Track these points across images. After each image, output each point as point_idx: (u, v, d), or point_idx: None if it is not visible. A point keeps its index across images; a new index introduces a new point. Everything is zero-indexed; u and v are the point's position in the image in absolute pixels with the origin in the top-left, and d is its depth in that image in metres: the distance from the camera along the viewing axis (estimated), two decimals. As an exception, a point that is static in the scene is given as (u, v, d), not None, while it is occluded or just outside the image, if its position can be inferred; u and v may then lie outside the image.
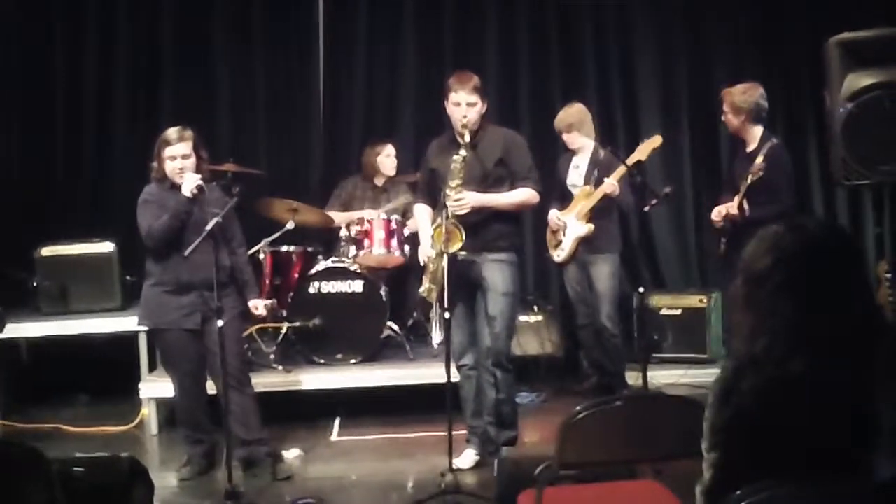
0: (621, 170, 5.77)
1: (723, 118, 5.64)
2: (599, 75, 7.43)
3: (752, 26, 7.41)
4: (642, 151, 5.85)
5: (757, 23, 7.40)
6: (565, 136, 6.19)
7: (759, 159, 5.34)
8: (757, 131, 5.54)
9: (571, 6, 7.44)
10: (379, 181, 6.79)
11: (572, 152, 6.24)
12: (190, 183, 4.71)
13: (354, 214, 6.60)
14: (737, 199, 5.37)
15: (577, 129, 6.12)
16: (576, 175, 6.18)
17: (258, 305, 5.08)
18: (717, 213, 5.56)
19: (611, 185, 5.85)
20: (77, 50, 7.16)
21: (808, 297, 2.02)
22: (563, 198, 6.21)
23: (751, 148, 5.53)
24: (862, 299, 2.07)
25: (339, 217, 6.65)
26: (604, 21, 7.48)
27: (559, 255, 6.21)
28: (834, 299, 2.02)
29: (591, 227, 6.00)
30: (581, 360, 6.69)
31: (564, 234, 6.12)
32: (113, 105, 7.20)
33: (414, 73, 7.39)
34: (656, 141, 5.90)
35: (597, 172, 6.02)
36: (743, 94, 5.52)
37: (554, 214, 6.17)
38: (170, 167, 4.80)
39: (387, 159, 6.77)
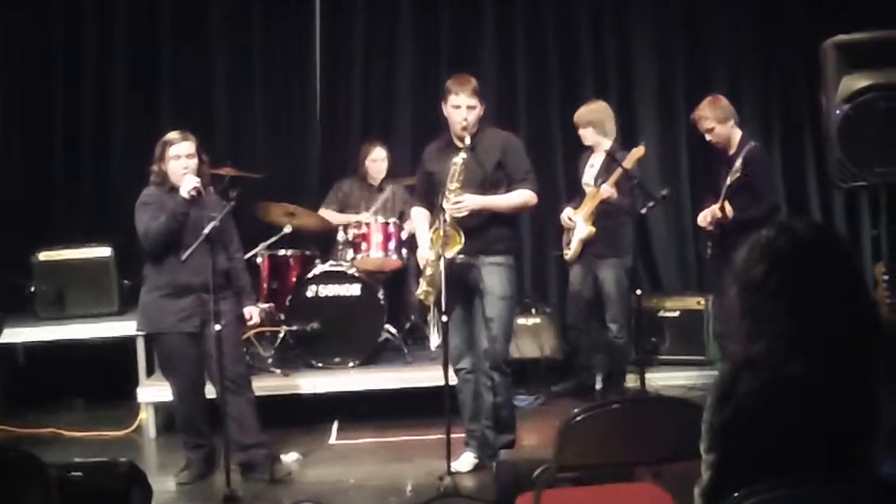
0: (617, 173, 5.77)
1: (708, 137, 5.68)
2: (597, 78, 7.43)
3: (749, 29, 7.42)
4: (628, 160, 5.85)
5: (754, 25, 7.41)
6: (581, 132, 6.14)
7: (739, 162, 5.41)
8: (737, 135, 5.64)
9: (569, 8, 7.45)
10: (374, 182, 6.79)
11: (591, 151, 6.22)
12: (188, 185, 4.71)
13: (351, 217, 6.59)
14: (719, 202, 5.41)
15: (595, 126, 6.09)
16: (589, 174, 6.18)
17: (253, 314, 5.09)
18: (703, 218, 5.62)
19: (606, 190, 5.84)
20: (75, 52, 7.15)
21: (804, 300, 2.03)
22: (580, 196, 6.24)
23: (732, 152, 5.60)
24: (857, 298, 2.07)
25: (333, 217, 6.65)
26: (601, 23, 7.48)
27: (567, 254, 6.23)
28: (829, 300, 2.03)
29: (591, 230, 6.00)
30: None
31: (573, 234, 6.14)
32: (111, 109, 7.20)
33: (411, 75, 7.39)
34: (639, 151, 5.90)
35: (605, 175, 6.02)
36: (719, 103, 5.65)
37: (567, 213, 6.18)
38: (174, 167, 4.80)
39: (373, 164, 6.74)
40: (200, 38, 7.27)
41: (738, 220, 5.35)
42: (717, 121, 5.60)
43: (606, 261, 6.08)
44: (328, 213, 6.69)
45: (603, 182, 5.94)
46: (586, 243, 6.06)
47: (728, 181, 5.39)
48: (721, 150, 5.71)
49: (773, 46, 7.40)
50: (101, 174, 7.16)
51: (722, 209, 5.40)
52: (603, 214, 5.99)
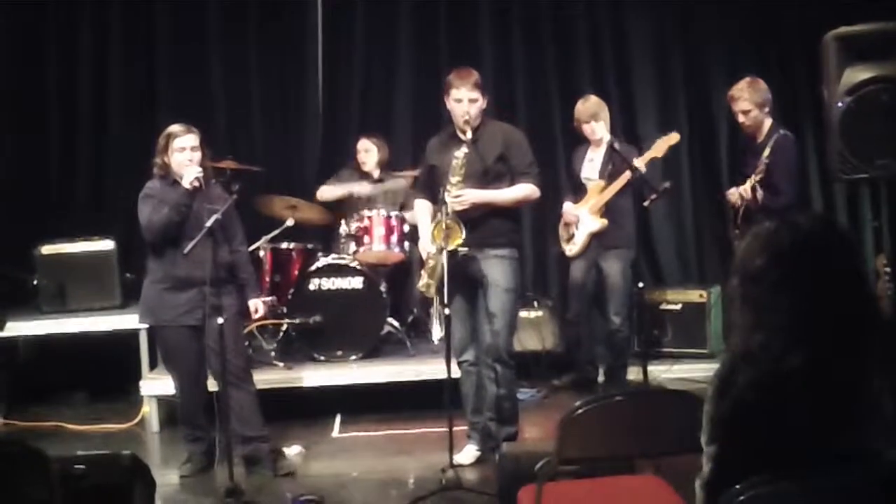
0: (650, 154, 5.79)
1: (741, 118, 5.59)
2: (595, 72, 7.42)
3: (748, 21, 7.39)
4: (659, 148, 5.82)
5: (753, 17, 7.38)
6: (590, 126, 6.10)
7: (767, 151, 5.37)
8: (768, 123, 5.57)
9: (566, 3, 7.43)
10: (375, 174, 6.78)
11: (587, 145, 6.22)
12: (190, 175, 4.73)
13: (353, 187, 6.62)
14: (749, 182, 5.37)
15: (603, 119, 6.09)
16: (590, 168, 6.17)
17: (258, 307, 5.08)
18: (732, 194, 5.53)
19: (641, 165, 5.77)
20: (73, 48, 7.16)
21: (804, 293, 2.02)
22: (577, 191, 6.23)
23: (760, 139, 5.54)
24: (858, 292, 2.07)
25: (331, 192, 6.65)
26: (599, 18, 7.47)
27: (571, 249, 6.21)
28: (830, 293, 2.02)
29: (604, 222, 6.01)
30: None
31: (577, 228, 6.13)
32: (110, 102, 7.21)
33: (411, 70, 7.39)
34: (673, 138, 5.87)
35: (611, 166, 6.01)
36: (759, 86, 5.54)
37: (568, 207, 6.17)
38: (179, 159, 4.80)
39: (365, 154, 6.75)
40: (199, 31, 7.27)
41: (761, 209, 5.30)
42: (755, 104, 5.49)
43: (613, 252, 6.08)
44: (327, 189, 6.69)
45: (611, 174, 5.95)
46: (595, 236, 6.06)
47: (759, 173, 5.33)
48: (749, 136, 5.65)
49: (772, 38, 7.37)
50: (101, 167, 7.18)
51: (753, 189, 5.32)
52: (611, 207, 5.99)
